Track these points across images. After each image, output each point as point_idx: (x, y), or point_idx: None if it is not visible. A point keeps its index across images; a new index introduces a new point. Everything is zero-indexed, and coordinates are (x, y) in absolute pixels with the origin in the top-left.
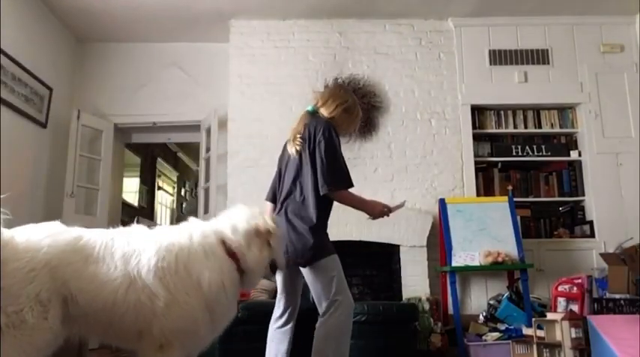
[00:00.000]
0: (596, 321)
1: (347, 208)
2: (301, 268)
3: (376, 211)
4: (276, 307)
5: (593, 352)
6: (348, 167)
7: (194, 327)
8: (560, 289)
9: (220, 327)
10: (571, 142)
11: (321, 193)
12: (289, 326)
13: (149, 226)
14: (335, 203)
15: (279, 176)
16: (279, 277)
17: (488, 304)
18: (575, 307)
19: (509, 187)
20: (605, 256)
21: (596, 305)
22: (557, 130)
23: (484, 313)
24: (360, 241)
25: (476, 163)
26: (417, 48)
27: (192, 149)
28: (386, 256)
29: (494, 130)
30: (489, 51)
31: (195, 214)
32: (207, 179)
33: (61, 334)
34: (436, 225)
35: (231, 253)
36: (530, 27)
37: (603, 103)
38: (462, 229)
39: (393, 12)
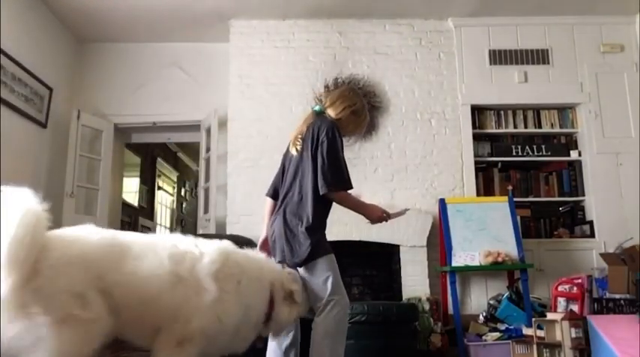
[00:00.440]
0: (596, 321)
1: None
2: (298, 269)
3: (375, 215)
4: None
5: (593, 352)
6: (348, 167)
7: (222, 335)
8: (560, 289)
9: (232, 345)
10: (571, 142)
11: (321, 193)
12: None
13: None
14: (335, 204)
15: (282, 174)
16: None
17: (489, 304)
18: (575, 307)
19: (509, 187)
20: (605, 256)
21: (596, 305)
22: (557, 130)
23: (484, 313)
24: (360, 241)
25: (476, 163)
26: (417, 48)
27: (192, 149)
28: (386, 256)
29: (494, 130)
30: (489, 51)
31: (195, 214)
32: (207, 179)
33: (107, 326)
34: (436, 225)
35: (271, 299)
36: (530, 27)
37: (603, 103)
38: (462, 229)
39: (393, 12)
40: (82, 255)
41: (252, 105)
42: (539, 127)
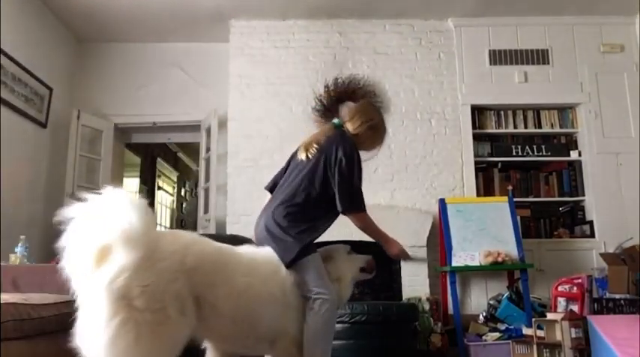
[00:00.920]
0: (596, 321)
1: None
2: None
3: (394, 249)
4: None
5: (593, 352)
6: None
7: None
8: (560, 289)
9: None
10: (571, 142)
11: (340, 211)
12: None
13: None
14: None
15: (284, 172)
16: None
17: (489, 304)
18: (575, 307)
19: (509, 187)
20: (605, 256)
21: (596, 305)
22: (557, 130)
23: (484, 313)
24: (360, 242)
25: (476, 163)
26: (417, 48)
27: (192, 149)
28: (386, 256)
29: (494, 130)
30: (489, 51)
31: (195, 214)
32: (207, 179)
33: (194, 331)
34: (436, 225)
35: None
36: (530, 27)
37: (603, 103)
38: (461, 229)
39: (393, 12)
40: (190, 261)
41: (252, 105)
42: (539, 127)
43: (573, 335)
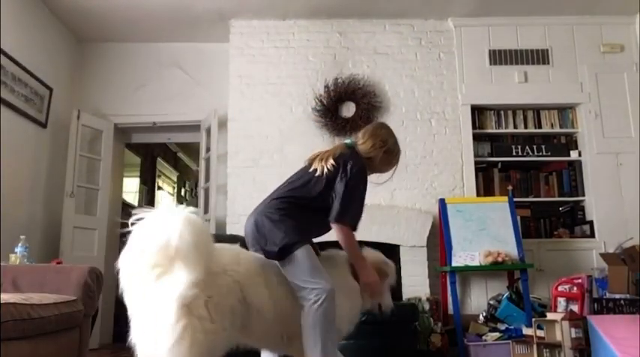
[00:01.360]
0: (596, 321)
1: None
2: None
3: (369, 277)
4: None
5: (593, 352)
6: None
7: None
8: (560, 289)
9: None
10: (571, 142)
11: (330, 220)
12: None
13: None
14: None
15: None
16: None
17: (489, 304)
18: (575, 307)
19: (509, 187)
20: (605, 256)
21: (596, 305)
22: (557, 130)
23: (484, 313)
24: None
25: (476, 163)
26: (417, 48)
27: (192, 149)
28: (386, 256)
29: (494, 130)
30: (489, 51)
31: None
32: (207, 179)
33: (237, 339)
34: (436, 225)
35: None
36: (530, 27)
37: (603, 103)
38: (462, 229)
39: (393, 12)
40: (241, 272)
41: (252, 105)
42: (539, 127)
43: (573, 335)
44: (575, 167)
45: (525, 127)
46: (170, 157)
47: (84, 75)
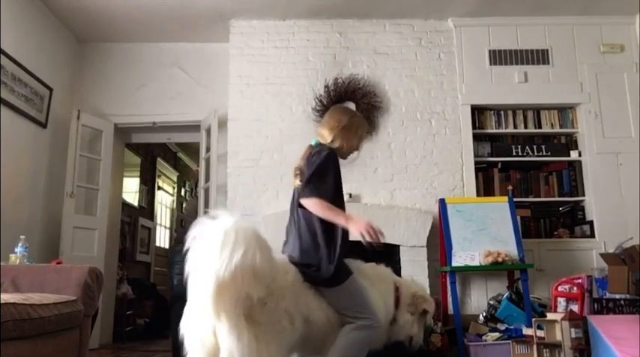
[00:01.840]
0: (596, 321)
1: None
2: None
3: (360, 225)
4: None
5: (593, 352)
6: (349, 171)
7: None
8: (560, 289)
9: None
10: (571, 142)
11: (299, 200)
12: None
13: None
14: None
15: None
16: None
17: (489, 304)
18: (575, 307)
19: (509, 187)
20: (605, 256)
21: (596, 305)
22: (557, 130)
23: (484, 313)
24: (360, 242)
25: (476, 163)
26: (417, 48)
27: (192, 149)
28: (386, 256)
29: (494, 130)
30: (489, 51)
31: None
32: (207, 179)
33: (299, 338)
34: (436, 225)
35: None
36: (530, 27)
37: (603, 103)
38: (462, 229)
39: (393, 12)
40: (290, 278)
41: (252, 105)
42: (539, 127)
43: (573, 335)
44: (575, 167)
45: (525, 127)
46: (170, 157)
47: (84, 75)
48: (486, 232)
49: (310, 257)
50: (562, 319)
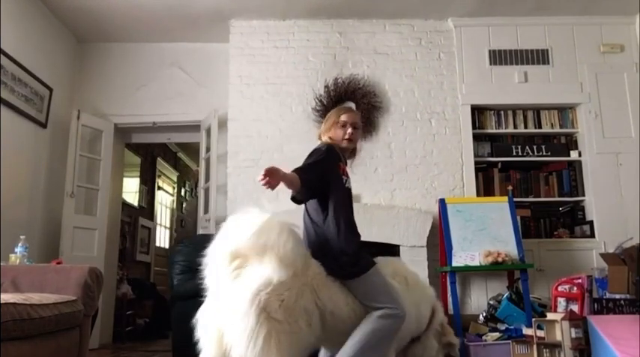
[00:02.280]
0: (596, 321)
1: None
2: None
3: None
4: None
5: (593, 352)
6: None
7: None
8: (560, 289)
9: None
10: (571, 142)
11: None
12: None
13: None
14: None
15: None
16: None
17: (488, 304)
18: (575, 307)
19: (509, 187)
20: (605, 256)
21: (596, 305)
22: (557, 130)
23: (484, 313)
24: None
25: (476, 163)
26: (417, 48)
27: (192, 149)
28: (385, 256)
29: (494, 130)
30: (489, 51)
31: (195, 214)
32: (207, 179)
33: (318, 339)
34: (436, 225)
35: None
36: (530, 27)
37: (603, 103)
38: (462, 229)
39: (393, 12)
40: (312, 275)
41: (252, 105)
42: (539, 127)
43: (573, 335)
44: (575, 167)
45: (525, 127)
46: (170, 157)
47: (84, 75)
48: (486, 232)
49: (328, 251)
50: (562, 319)
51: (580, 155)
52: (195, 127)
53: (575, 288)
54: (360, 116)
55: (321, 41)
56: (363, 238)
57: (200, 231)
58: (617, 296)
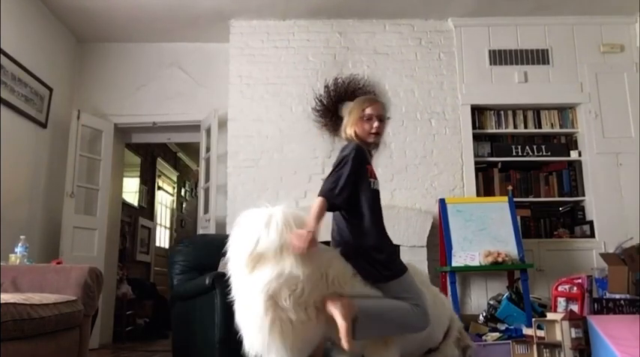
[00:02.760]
0: (596, 321)
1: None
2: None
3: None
4: None
5: (593, 352)
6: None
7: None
8: (560, 289)
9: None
10: (571, 142)
11: None
12: None
13: None
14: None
15: None
16: None
17: (488, 304)
18: (575, 307)
19: (509, 187)
20: (605, 256)
21: (596, 305)
22: (557, 130)
23: (484, 313)
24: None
25: (476, 163)
26: (417, 48)
27: (192, 149)
28: None
29: (494, 130)
30: (489, 51)
31: (195, 214)
32: (207, 179)
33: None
34: (436, 225)
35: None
36: (530, 27)
37: (603, 103)
38: (462, 229)
39: (393, 12)
40: (332, 274)
41: (252, 105)
42: (539, 127)
43: (573, 335)
44: (575, 167)
45: (525, 127)
46: (170, 157)
47: (84, 75)
48: (486, 232)
49: (361, 252)
50: (562, 319)
51: (580, 155)
52: (195, 127)
53: (575, 288)
54: (385, 105)
55: (321, 41)
56: None
57: (200, 231)
58: (617, 296)
